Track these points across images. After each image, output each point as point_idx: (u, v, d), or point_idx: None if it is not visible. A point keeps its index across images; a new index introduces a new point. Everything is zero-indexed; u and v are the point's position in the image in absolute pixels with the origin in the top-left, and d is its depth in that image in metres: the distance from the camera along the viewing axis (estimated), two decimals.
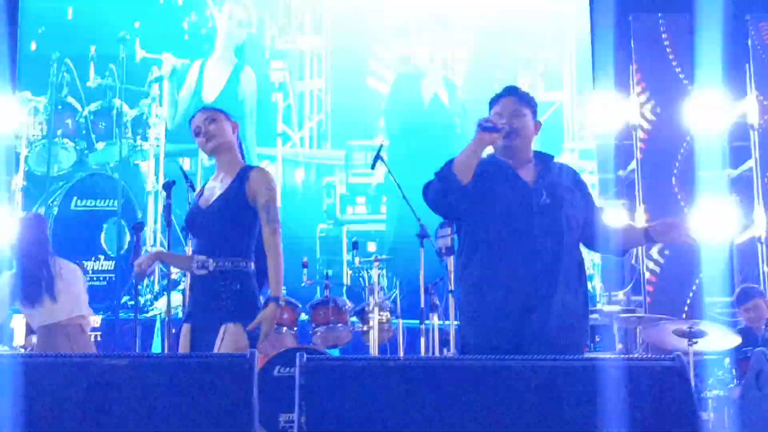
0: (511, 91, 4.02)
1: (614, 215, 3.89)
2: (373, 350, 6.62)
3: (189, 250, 5.73)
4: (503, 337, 3.70)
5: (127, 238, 9.14)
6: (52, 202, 9.23)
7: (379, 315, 6.66)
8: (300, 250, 8.23)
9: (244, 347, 3.84)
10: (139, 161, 9.44)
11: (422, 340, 6.47)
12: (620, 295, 8.99)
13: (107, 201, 9.29)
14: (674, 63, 9.38)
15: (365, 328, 6.86)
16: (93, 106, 9.45)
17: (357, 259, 7.37)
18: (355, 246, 7.46)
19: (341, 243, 9.36)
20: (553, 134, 9.50)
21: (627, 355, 6.05)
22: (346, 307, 6.96)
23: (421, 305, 6.56)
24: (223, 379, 2.81)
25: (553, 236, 3.79)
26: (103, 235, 9.18)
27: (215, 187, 4.10)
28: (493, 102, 4.02)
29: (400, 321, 6.81)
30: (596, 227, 3.96)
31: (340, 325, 6.86)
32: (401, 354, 6.60)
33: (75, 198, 9.28)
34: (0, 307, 5.60)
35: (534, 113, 4.01)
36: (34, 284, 5.58)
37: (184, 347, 4.04)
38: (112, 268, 9.05)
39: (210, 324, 3.96)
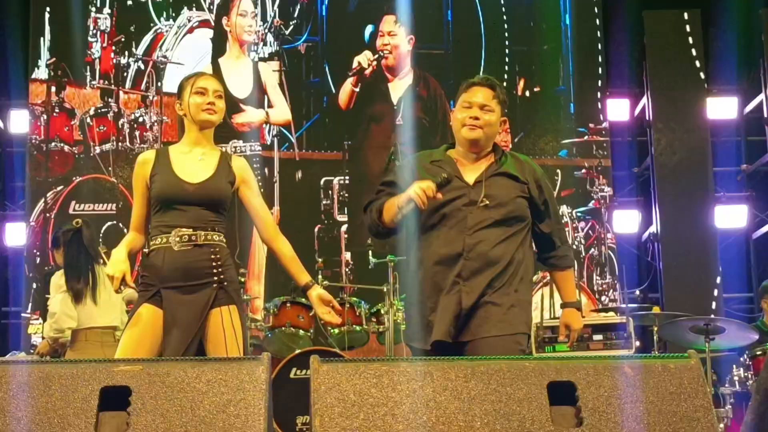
0: (488, 84, 3.83)
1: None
2: (389, 351, 6.61)
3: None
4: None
5: None
6: (50, 207, 9.16)
7: (395, 316, 6.62)
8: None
9: (243, 337, 3.91)
10: None
11: None
12: (637, 292, 8.98)
13: (106, 204, 9.22)
14: (688, 59, 9.35)
15: (381, 329, 6.84)
16: (91, 109, 9.35)
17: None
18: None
19: (339, 243, 9.31)
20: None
21: (641, 353, 6.03)
22: (362, 309, 6.93)
23: None
24: (239, 382, 2.79)
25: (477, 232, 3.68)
26: (102, 239, 9.01)
27: (195, 161, 4.03)
28: (466, 87, 3.84)
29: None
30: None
31: (356, 326, 6.83)
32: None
33: (73, 202, 9.22)
34: (68, 310, 5.69)
35: (503, 111, 3.82)
36: (81, 281, 5.69)
37: (153, 333, 3.82)
38: None
39: (193, 295, 3.86)
